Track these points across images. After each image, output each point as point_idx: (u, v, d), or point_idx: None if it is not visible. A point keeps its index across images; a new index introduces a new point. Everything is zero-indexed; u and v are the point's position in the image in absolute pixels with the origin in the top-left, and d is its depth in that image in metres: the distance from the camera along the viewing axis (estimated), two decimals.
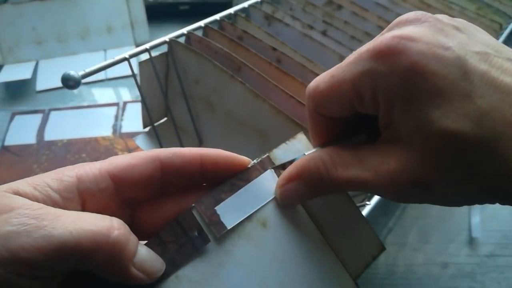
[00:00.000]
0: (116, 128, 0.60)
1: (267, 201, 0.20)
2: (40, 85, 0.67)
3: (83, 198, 0.17)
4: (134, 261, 0.16)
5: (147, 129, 0.43)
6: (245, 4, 0.43)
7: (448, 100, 0.15)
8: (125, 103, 0.64)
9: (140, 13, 0.72)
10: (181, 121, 0.41)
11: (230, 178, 0.20)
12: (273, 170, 0.20)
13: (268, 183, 0.20)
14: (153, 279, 0.17)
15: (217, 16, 0.40)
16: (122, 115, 0.63)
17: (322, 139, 0.21)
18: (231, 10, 0.41)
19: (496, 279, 0.42)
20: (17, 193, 0.16)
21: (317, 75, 0.36)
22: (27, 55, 0.70)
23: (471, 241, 0.45)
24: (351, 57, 0.18)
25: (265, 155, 0.21)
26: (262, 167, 0.20)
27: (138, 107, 0.41)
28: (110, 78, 0.68)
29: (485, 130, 0.15)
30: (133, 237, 0.17)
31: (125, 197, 0.18)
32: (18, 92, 0.67)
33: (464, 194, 0.16)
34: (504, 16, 0.49)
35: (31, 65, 0.70)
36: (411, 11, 0.53)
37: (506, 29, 0.48)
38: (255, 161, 0.20)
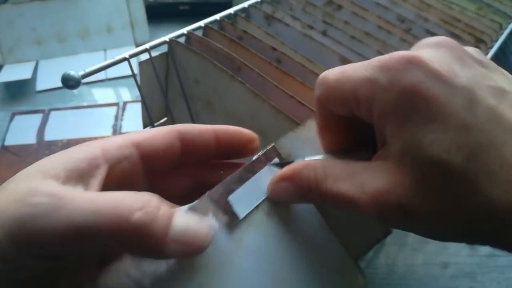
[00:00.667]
0: (116, 128, 0.60)
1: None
2: (40, 85, 0.67)
3: (109, 166, 0.17)
4: (170, 236, 0.15)
5: (147, 129, 0.43)
6: (245, 4, 0.43)
7: (444, 127, 0.15)
8: (125, 103, 0.64)
9: (140, 13, 0.72)
10: (181, 121, 0.41)
11: (239, 169, 0.20)
12: (274, 166, 0.21)
13: (270, 175, 0.21)
14: (199, 250, 0.16)
15: (217, 16, 0.40)
16: (122, 115, 0.63)
17: (327, 137, 0.21)
18: (231, 10, 0.41)
19: (496, 279, 0.42)
20: (45, 172, 0.16)
21: (317, 75, 0.36)
22: (27, 55, 0.70)
23: None
24: (368, 61, 0.18)
25: (271, 145, 0.21)
26: (267, 158, 0.21)
27: (138, 107, 0.41)
28: (110, 78, 0.68)
29: (477, 166, 0.14)
30: (162, 213, 0.15)
31: (147, 165, 0.19)
32: (18, 92, 0.67)
33: (446, 227, 0.16)
34: (504, 16, 0.49)
35: (31, 65, 0.70)
36: (411, 11, 0.53)
37: (506, 29, 0.48)
38: (260, 153, 0.21)
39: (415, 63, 0.16)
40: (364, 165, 0.18)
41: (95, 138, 0.18)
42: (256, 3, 0.43)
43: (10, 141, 0.59)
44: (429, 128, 0.15)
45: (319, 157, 0.20)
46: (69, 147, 0.17)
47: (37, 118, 0.62)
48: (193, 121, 0.40)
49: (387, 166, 0.16)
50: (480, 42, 0.45)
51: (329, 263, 0.21)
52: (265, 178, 0.21)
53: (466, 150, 0.15)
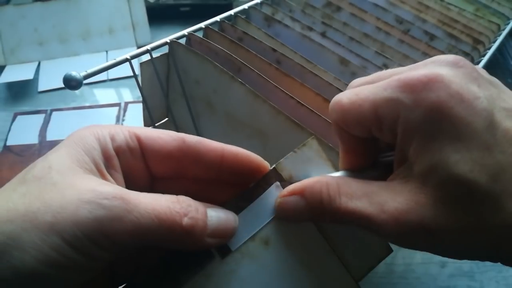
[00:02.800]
0: None
1: (270, 219, 0.20)
2: (42, 86, 0.68)
3: (118, 156, 0.18)
4: (207, 232, 0.18)
5: (150, 128, 0.43)
6: (245, 6, 0.43)
7: (468, 147, 0.15)
8: (126, 104, 0.65)
9: (141, 15, 0.72)
10: (181, 122, 0.42)
11: (233, 199, 0.20)
12: (278, 185, 0.20)
13: (271, 200, 0.20)
14: (228, 238, 0.19)
15: (217, 18, 0.41)
16: (124, 115, 0.63)
17: (348, 157, 0.20)
18: (231, 12, 0.42)
19: (495, 278, 0.42)
20: (80, 165, 0.17)
21: (317, 75, 0.36)
22: (29, 56, 0.71)
23: None
24: (380, 81, 0.18)
25: (272, 167, 0.20)
26: (266, 183, 0.20)
27: (139, 107, 0.41)
28: (112, 78, 0.69)
29: (500, 185, 0.15)
30: (201, 214, 0.18)
31: (147, 163, 0.19)
32: (20, 92, 0.67)
33: (469, 246, 0.16)
34: (502, 17, 0.50)
35: (33, 65, 0.70)
36: (410, 12, 0.53)
37: (504, 30, 0.48)
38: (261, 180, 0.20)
39: (438, 83, 0.16)
40: (381, 184, 0.18)
41: None
42: (256, 4, 0.44)
43: (12, 141, 0.60)
44: (454, 147, 0.15)
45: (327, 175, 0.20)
46: None
47: (39, 119, 0.63)
48: (194, 122, 0.40)
49: (409, 186, 0.16)
50: (478, 43, 0.45)
51: (327, 284, 0.20)
52: (266, 202, 0.20)
53: (490, 170, 0.15)
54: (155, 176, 0.20)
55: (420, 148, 0.16)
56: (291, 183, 0.20)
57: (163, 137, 0.19)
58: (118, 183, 0.18)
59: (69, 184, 0.16)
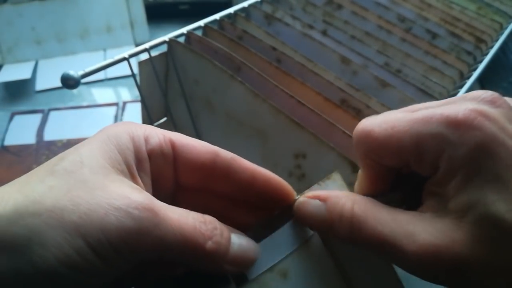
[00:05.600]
0: None
1: (290, 251, 0.19)
2: (40, 85, 0.67)
3: (150, 158, 0.18)
4: (229, 257, 0.17)
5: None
6: (245, 4, 0.43)
7: (508, 189, 0.15)
8: (124, 103, 0.64)
9: (140, 13, 0.72)
10: (181, 121, 0.41)
11: (256, 225, 0.20)
12: (296, 224, 0.20)
13: (293, 231, 0.20)
14: (247, 268, 0.18)
15: (217, 16, 0.40)
16: (122, 115, 0.62)
17: (372, 184, 0.20)
18: (231, 10, 0.41)
19: None
20: (112, 165, 0.16)
21: (317, 74, 0.36)
22: (26, 55, 0.70)
23: None
24: (418, 114, 0.17)
25: (297, 197, 0.20)
26: (290, 213, 0.20)
27: (137, 107, 0.41)
28: (110, 78, 0.68)
29: None
30: (225, 239, 0.17)
31: (176, 171, 0.19)
32: (18, 92, 0.67)
33: (501, 286, 0.16)
34: (505, 16, 0.49)
35: (31, 65, 0.70)
36: (412, 11, 0.53)
37: (506, 29, 0.48)
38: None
39: (483, 122, 0.16)
40: (413, 214, 0.17)
41: None
42: (256, 2, 0.43)
43: (9, 141, 0.59)
44: (494, 186, 0.15)
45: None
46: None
47: (36, 118, 0.62)
48: (193, 121, 0.40)
49: (445, 221, 0.16)
50: (480, 42, 0.45)
51: None
52: (285, 236, 0.19)
53: None
54: (181, 185, 0.19)
55: (460, 184, 0.16)
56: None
57: (198, 146, 0.19)
58: (146, 188, 0.18)
59: (100, 184, 0.15)
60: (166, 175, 0.19)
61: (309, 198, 0.19)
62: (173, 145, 0.18)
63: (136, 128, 0.18)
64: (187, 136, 0.19)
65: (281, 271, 0.19)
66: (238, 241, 0.18)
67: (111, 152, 0.17)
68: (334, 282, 0.20)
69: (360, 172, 0.20)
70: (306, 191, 0.20)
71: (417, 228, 0.16)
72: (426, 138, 0.17)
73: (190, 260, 0.17)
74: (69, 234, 0.14)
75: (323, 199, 0.19)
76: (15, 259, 0.14)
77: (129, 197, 0.15)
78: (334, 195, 0.19)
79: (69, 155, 0.16)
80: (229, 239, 0.18)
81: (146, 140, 0.18)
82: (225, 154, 0.19)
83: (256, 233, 0.19)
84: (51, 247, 0.14)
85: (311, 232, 0.20)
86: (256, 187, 0.19)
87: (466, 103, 0.17)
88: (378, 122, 0.18)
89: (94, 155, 0.16)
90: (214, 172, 0.19)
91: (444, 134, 0.16)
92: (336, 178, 0.21)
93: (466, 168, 0.16)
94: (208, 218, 0.17)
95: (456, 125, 0.16)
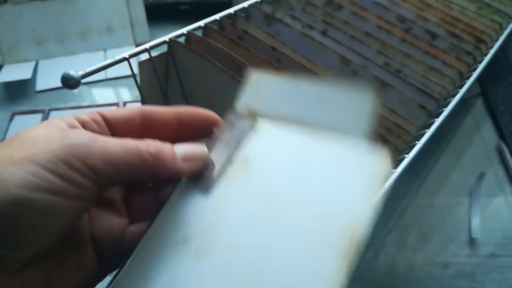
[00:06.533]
0: None
1: (243, 140, 0.21)
2: (40, 85, 0.67)
3: (82, 126, 0.20)
4: (178, 157, 0.19)
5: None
6: (245, 4, 0.43)
7: None
8: (125, 103, 0.64)
9: (140, 13, 0.72)
10: None
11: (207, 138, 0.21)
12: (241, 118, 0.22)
13: (241, 127, 0.22)
14: (203, 162, 0.20)
15: (217, 16, 0.40)
16: None
17: None
18: (231, 10, 0.41)
19: (497, 279, 0.42)
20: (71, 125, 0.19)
21: (317, 74, 0.36)
22: (26, 55, 0.70)
23: (471, 241, 0.45)
24: None
25: (232, 115, 0.23)
26: (230, 123, 0.22)
27: None
28: (110, 78, 0.68)
29: None
30: (166, 145, 0.19)
31: (113, 132, 0.21)
32: (18, 92, 0.67)
33: None
34: (505, 16, 0.49)
35: (31, 65, 0.70)
36: (411, 11, 0.53)
37: (506, 29, 0.48)
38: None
39: None
40: None
41: None
42: (256, 3, 0.43)
43: None
44: None
45: None
46: None
47: (37, 118, 0.62)
48: None
49: None
50: (480, 42, 0.45)
51: (336, 167, 0.19)
52: (236, 132, 0.21)
53: None
54: None
55: None
56: (255, 116, 0.22)
57: (123, 109, 0.21)
58: None
59: (40, 131, 0.17)
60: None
61: None
62: (101, 114, 0.20)
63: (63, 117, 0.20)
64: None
65: (240, 160, 0.20)
66: (181, 146, 0.20)
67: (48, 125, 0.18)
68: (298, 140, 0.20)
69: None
70: (236, 103, 0.23)
71: None
72: None
73: (143, 171, 0.18)
74: (21, 165, 0.15)
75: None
76: None
77: (67, 129, 0.18)
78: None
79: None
80: (171, 145, 0.19)
81: (75, 117, 0.19)
82: (147, 107, 0.21)
83: (208, 143, 0.21)
84: (9, 179, 0.15)
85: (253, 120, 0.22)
86: (184, 123, 0.21)
87: None
88: None
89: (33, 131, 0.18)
90: (144, 123, 0.21)
91: None
92: (253, 76, 0.23)
93: None
94: (148, 139, 0.19)
95: None
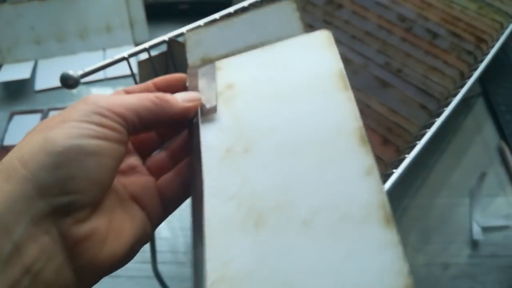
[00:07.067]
0: None
1: (215, 77, 0.25)
2: (39, 85, 0.67)
3: None
4: (180, 100, 0.23)
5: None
6: (245, 3, 0.42)
7: None
8: None
9: (140, 12, 0.71)
10: None
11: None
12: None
13: (206, 71, 0.26)
14: (198, 102, 0.24)
15: (216, 15, 0.40)
16: None
17: None
18: (230, 9, 0.41)
19: (497, 279, 0.42)
20: None
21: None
22: (25, 55, 0.70)
23: (472, 242, 0.45)
24: None
25: (189, 70, 0.27)
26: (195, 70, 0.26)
27: None
28: (109, 77, 0.68)
29: None
30: (168, 93, 0.23)
31: None
32: (17, 92, 0.67)
33: None
34: (505, 16, 0.49)
35: (30, 64, 0.69)
36: (412, 10, 0.53)
37: (507, 29, 0.48)
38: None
39: None
40: None
41: None
42: (256, 2, 0.43)
43: (9, 141, 0.59)
44: None
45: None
46: None
47: (36, 118, 0.62)
48: None
49: None
50: (481, 42, 0.45)
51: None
52: (207, 79, 0.25)
53: None
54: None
55: None
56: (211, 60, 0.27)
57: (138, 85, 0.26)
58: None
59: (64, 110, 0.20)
60: None
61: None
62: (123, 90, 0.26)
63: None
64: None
65: (226, 87, 0.24)
66: (178, 93, 0.23)
67: None
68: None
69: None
70: (188, 61, 0.27)
71: None
72: None
73: (155, 112, 0.21)
74: (60, 126, 0.19)
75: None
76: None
77: (89, 96, 0.21)
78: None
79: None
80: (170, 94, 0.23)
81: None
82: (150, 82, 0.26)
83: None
84: (55, 137, 0.18)
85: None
86: (159, 85, 0.25)
87: None
88: None
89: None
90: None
91: None
92: (189, 36, 0.28)
93: None
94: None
95: None
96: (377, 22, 0.44)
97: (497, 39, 0.46)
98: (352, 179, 0.19)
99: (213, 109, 0.23)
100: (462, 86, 0.38)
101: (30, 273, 0.17)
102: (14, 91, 0.67)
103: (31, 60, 0.70)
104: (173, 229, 0.47)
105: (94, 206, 0.19)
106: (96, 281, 0.19)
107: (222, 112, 0.23)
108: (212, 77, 0.25)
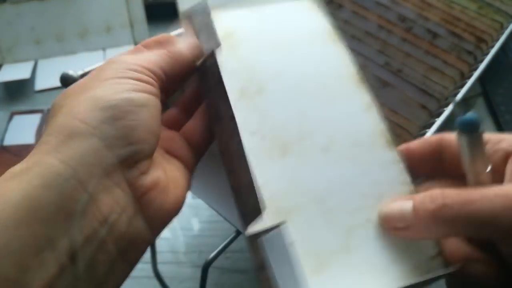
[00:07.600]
0: None
1: (213, 27, 0.25)
2: (39, 85, 0.67)
3: None
4: (184, 46, 0.24)
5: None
6: None
7: None
8: None
9: (140, 13, 0.71)
10: None
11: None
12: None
13: (201, 20, 0.26)
14: (200, 50, 0.24)
15: None
16: None
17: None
18: None
19: None
20: None
21: None
22: (25, 55, 0.70)
23: None
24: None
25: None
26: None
27: None
28: None
29: None
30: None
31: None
32: (17, 92, 0.67)
33: None
34: (506, 16, 0.49)
35: (30, 64, 0.69)
36: (412, 10, 0.53)
37: (507, 29, 0.48)
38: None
39: None
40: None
41: None
42: None
43: (9, 141, 0.59)
44: None
45: None
46: None
47: (36, 118, 0.62)
48: None
49: None
50: (481, 42, 0.45)
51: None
52: (205, 29, 0.25)
53: None
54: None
55: None
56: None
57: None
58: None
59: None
60: None
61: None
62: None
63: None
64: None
65: (226, 35, 0.25)
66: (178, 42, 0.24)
67: None
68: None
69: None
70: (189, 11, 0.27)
71: None
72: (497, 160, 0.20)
73: (173, 65, 0.22)
74: (102, 85, 0.19)
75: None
76: None
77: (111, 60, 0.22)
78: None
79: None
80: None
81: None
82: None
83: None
84: (103, 95, 0.19)
85: None
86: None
87: None
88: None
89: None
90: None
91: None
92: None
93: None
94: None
95: None
96: (377, 22, 0.44)
97: (497, 39, 0.46)
98: (356, 113, 0.23)
99: (217, 45, 0.24)
100: (462, 86, 0.38)
101: (107, 223, 0.17)
102: (14, 91, 0.67)
103: (31, 60, 0.70)
104: (173, 229, 0.47)
105: (151, 157, 0.20)
106: (163, 228, 0.20)
107: (228, 56, 0.24)
108: (208, 17, 0.26)
